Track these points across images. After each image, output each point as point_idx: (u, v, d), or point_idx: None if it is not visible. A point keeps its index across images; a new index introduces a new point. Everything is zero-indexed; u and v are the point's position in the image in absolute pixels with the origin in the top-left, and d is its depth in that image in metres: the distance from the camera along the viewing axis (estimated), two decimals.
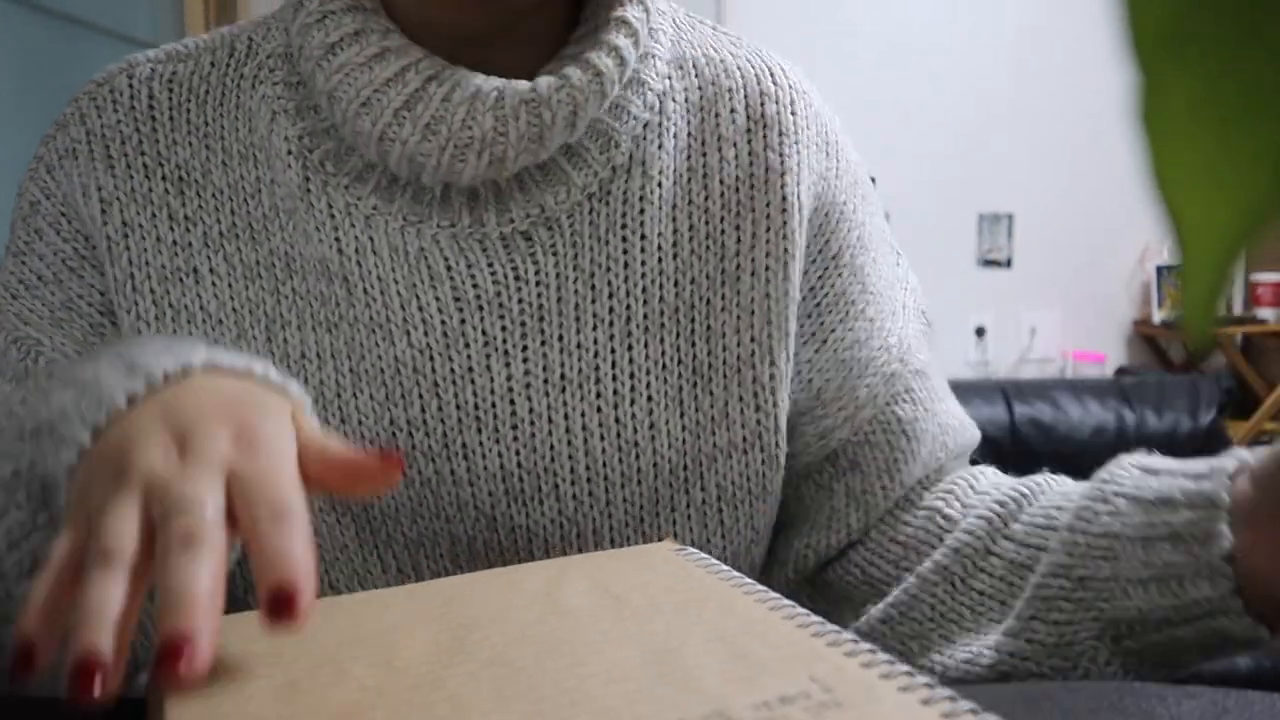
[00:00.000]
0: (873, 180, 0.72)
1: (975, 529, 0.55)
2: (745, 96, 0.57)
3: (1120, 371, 2.74)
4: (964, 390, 2.30)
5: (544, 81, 0.50)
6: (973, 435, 0.63)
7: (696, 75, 0.57)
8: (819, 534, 0.59)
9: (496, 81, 0.50)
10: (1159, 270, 2.82)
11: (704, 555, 0.44)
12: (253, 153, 0.55)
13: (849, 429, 0.58)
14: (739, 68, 0.58)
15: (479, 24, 0.52)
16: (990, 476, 0.60)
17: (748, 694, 0.30)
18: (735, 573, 0.41)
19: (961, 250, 2.84)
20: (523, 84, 0.50)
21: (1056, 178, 2.83)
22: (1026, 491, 0.55)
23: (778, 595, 0.38)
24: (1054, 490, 0.55)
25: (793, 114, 0.58)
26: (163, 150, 0.55)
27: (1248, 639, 0.46)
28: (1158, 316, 2.80)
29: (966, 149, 2.80)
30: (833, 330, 0.58)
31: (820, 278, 0.58)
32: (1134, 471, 0.50)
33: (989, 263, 2.84)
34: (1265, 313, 2.80)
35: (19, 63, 1.52)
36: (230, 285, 0.55)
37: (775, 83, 0.58)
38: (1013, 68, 2.78)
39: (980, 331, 2.84)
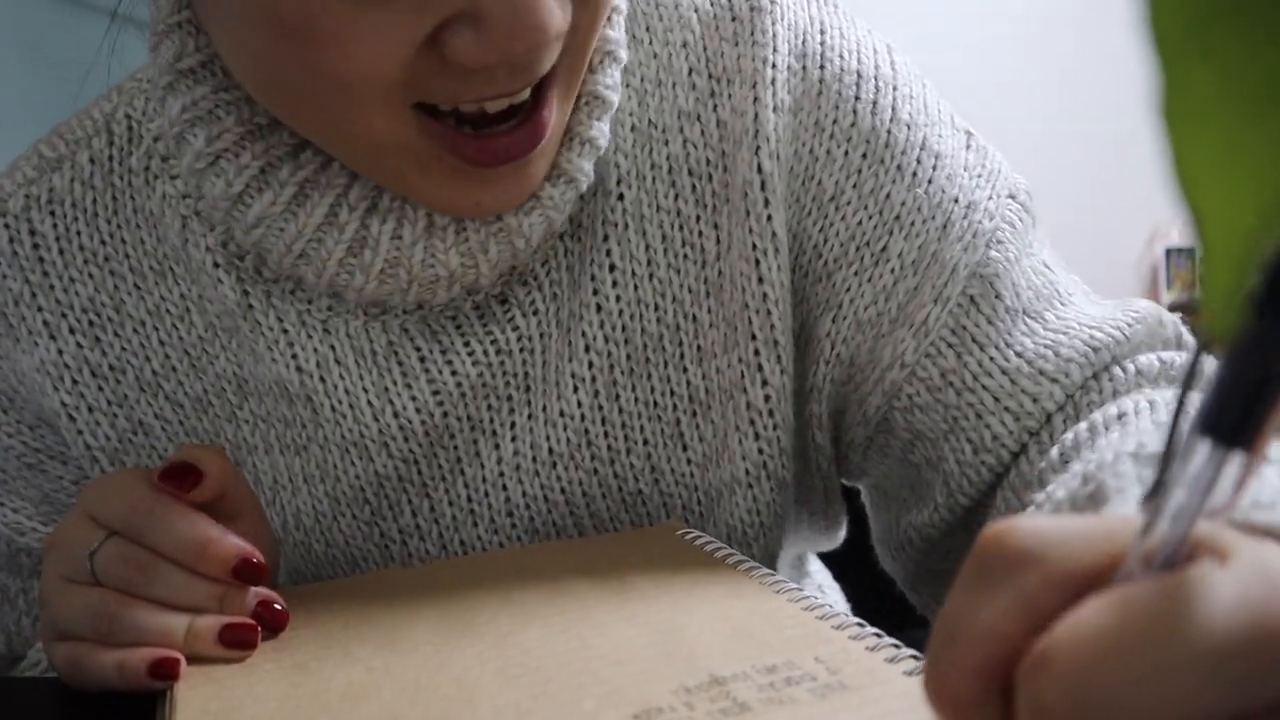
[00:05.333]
0: None
1: None
2: (704, 50, 0.49)
3: None
4: None
5: (511, 217, 0.44)
6: (1103, 338, 0.46)
7: (651, 41, 0.49)
8: (912, 510, 0.51)
9: (448, 220, 0.43)
10: (1167, 253, 2.80)
11: (710, 538, 0.44)
12: (169, 267, 0.48)
13: (880, 395, 0.48)
14: (696, 8, 0.49)
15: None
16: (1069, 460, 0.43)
17: (753, 675, 0.30)
18: (741, 555, 0.41)
19: None
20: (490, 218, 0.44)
21: (1064, 159, 2.81)
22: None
23: (784, 578, 0.38)
24: None
25: (754, 44, 0.48)
26: (61, 297, 0.48)
27: None
28: (1166, 299, 2.78)
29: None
30: (847, 289, 0.48)
31: (820, 230, 0.48)
32: None
33: None
34: None
35: (17, 43, 1.51)
36: (181, 425, 0.49)
37: (735, 16, 0.48)
38: (1020, 48, 2.76)
39: None
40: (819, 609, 0.35)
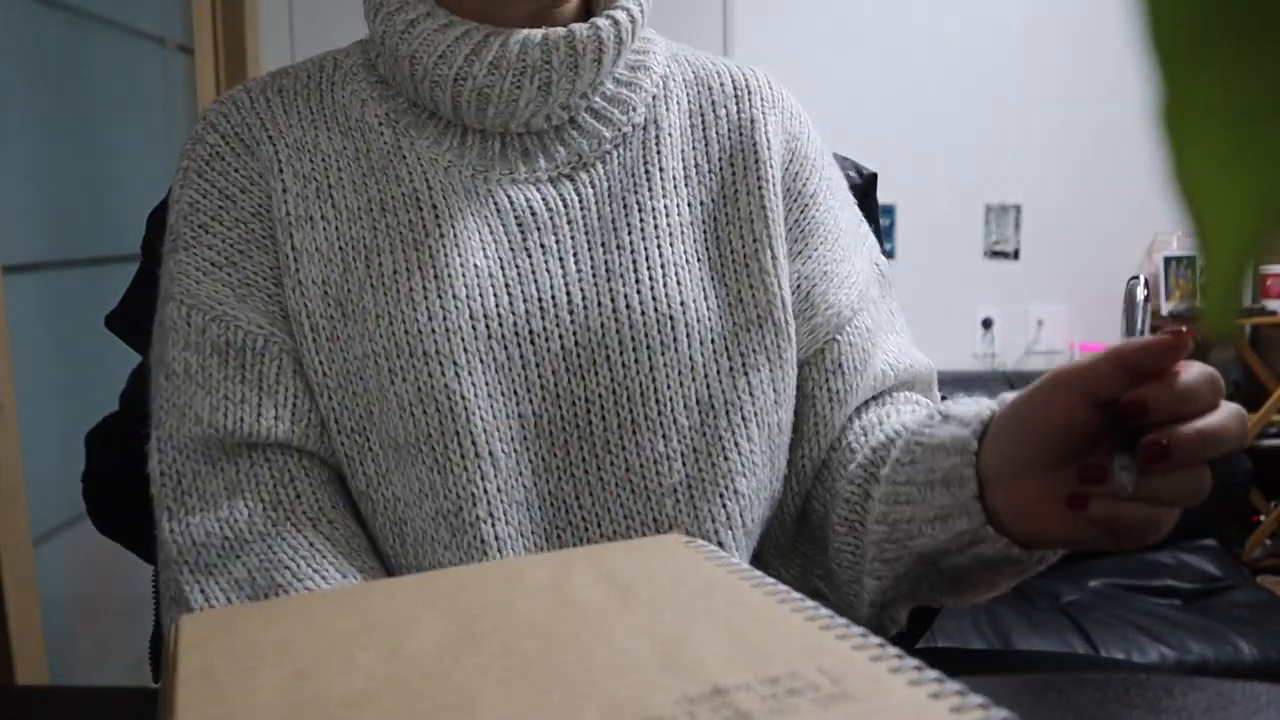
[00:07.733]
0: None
1: (853, 495, 0.67)
2: (731, 77, 0.76)
3: None
4: (970, 382, 2.29)
5: (577, 26, 0.68)
6: (924, 366, 0.78)
7: (690, 65, 0.76)
8: (808, 443, 0.73)
9: (542, 30, 0.67)
10: (1166, 262, 2.80)
11: (712, 547, 0.44)
12: (349, 131, 0.72)
13: (834, 325, 0.73)
14: (724, 64, 0.77)
15: (520, 10, 0.68)
16: (893, 419, 0.71)
17: (755, 685, 0.30)
18: (743, 565, 0.41)
19: (968, 242, 2.83)
20: (561, 29, 0.67)
21: (1064, 169, 2.82)
22: (892, 438, 0.67)
23: (786, 588, 0.38)
24: (910, 432, 0.65)
25: (770, 89, 0.77)
26: (283, 129, 0.71)
27: (1007, 559, 0.57)
28: (1165, 308, 2.79)
29: (974, 140, 2.79)
30: (815, 249, 0.74)
31: (803, 210, 0.75)
32: (936, 418, 0.63)
33: (996, 254, 2.83)
34: (1274, 304, 2.79)
35: (26, 56, 1.52)
36: (337, 228, 0.69)
37: (753, 70, 0.77)
38: (1020, 58, 2.76)
39: (987, 323, 2.83)
40: (822, 619, 0.34)
